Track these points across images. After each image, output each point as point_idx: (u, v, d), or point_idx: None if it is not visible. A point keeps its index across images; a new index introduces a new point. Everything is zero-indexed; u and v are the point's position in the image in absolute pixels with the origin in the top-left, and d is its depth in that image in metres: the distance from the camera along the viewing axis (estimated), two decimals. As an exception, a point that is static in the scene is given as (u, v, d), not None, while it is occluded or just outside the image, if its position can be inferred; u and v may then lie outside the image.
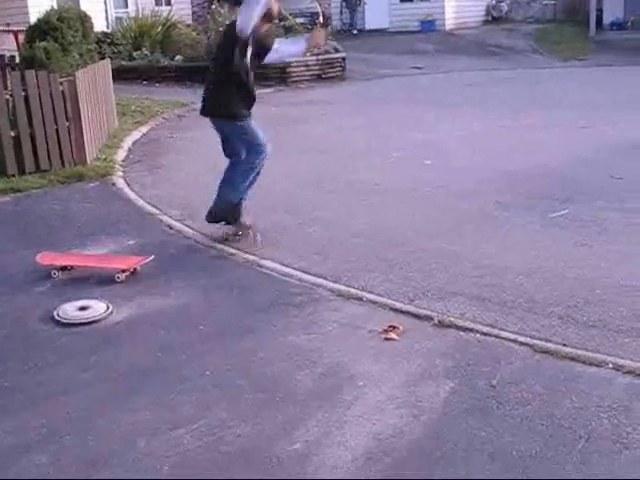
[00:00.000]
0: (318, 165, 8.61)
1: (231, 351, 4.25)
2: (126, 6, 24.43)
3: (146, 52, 18.64)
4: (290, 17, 19.71)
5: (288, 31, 18.86)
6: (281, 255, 5.82)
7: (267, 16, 5.66)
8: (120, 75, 15.01)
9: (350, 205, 7.37)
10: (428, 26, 29.50)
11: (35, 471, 3.18)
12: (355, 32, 27.46)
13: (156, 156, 10.11)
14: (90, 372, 4.04)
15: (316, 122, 12.13)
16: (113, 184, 8.36)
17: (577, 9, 31.65)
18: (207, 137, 11.06)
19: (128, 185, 8.37)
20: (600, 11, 29.13)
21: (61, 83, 8.46)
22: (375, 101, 15.44)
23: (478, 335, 4.37)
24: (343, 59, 19.96)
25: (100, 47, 16.20)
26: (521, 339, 4.30)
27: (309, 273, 5.42)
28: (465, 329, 4.46)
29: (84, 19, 10.48)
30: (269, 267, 5.58)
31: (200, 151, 10.23)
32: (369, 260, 5.75)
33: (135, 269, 5.46)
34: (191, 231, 6.58)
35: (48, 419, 3.56)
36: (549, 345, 4.21)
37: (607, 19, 29.42)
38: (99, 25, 19.12)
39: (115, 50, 18.25)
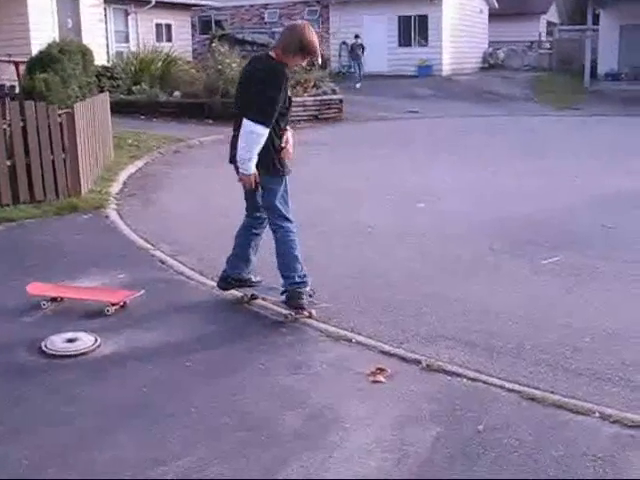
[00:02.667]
0: (309, 206, 8.64)
1: (218, 389, 4.23)
2: (127, 41, 24.74)
3: (145, 87, 18.81)
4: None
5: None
6: (272, 295, 5.81)
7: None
8: (119, 109, 15.14)
9: (342, 247, 7.40)
10: (425, 71, 29.94)
11: (15, 504, 3.15)
12: (358, 86, 26.83)
13: (150, 191, 10.16)
14: (75, 405, 4.01)
15: (309, 163, 12.20)
16: (106, 217, 8.38)
17: (572, 59, 32.15)
18: (202, 174, 11.15)
19: (121, 218, 8.39)
20: (595, 62, 29.58)
21: (59, 115, 8.52)
22: (370, 143, 15.57)
23: (465, 380, 4.37)
24: (340, 101, 20.18)
25: (100, 80, 16.33)
26: (508, 385, 4.30)
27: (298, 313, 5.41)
28: (453, 374, 4.45)
29: (85, 52, 10.58)
30: (260, 305, 5.57)
31: (194, 188, 10.30)
32: (360, 302, 5.76)
33: (125, 303, 5.45)
34: (183, 267, 6.57)
35: (30, 452, 3.53)
36: (536, 392, 4.21)
37: (602, 70, 29.90)
38: (100, 59, 19.30)
39: (114, 84, 18.42)
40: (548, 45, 38.29)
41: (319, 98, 19.68)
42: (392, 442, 3.66)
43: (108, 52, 22.40)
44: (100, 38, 21.17)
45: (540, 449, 3.61)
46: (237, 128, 5.13)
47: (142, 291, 5.61)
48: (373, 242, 7.60)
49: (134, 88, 18.80)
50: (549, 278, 6.42)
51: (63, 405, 4.02)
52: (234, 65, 17.94)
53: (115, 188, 9.92)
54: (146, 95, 18.48)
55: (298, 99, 18.78)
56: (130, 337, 4.97)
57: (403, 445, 3.63)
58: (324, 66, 27.54)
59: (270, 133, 5.04)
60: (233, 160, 5.22)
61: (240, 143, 5.05)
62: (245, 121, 4.99)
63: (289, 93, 5.21)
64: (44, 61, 9.67)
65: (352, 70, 29.02)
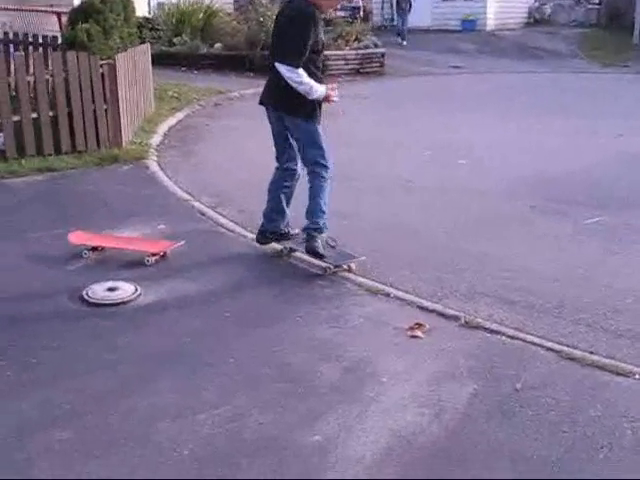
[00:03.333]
0: (350, 159, 8.57)
1: (256, 340, 4.26)
2: (169, -8, 24.56)
3: (186, 39, 18.69)
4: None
5: (328, 24, 18.85)
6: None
7: None
8: (159, 60, 15.08)
9: (381, 200, 7.35)
10: (469, 26, 29.31)
11: (57, 447, 3.21)
12: (404, 43, 25.32)
13: (191, 142, 10.17)
14: (116, 353, 4.07)
15: (349, 116, 12.09)
16: (147, 168, 8.42)
17: (622, 14, 31.18)
18: (242, 127, 11.12)
19: (162, 169, 8.43)
20: (644, 17, 28.70)
21: (101, 65, 8.52)
22: (411, 98, 15.38)
23: (504, 338, 4.34)
24: (382, 55, 19.90)
25: (141, 32, 16.21)
26: (547, 344, 4.26)
27: (337, 265, 5.41)
28: (491, 331, 4.43)
29: (126, 3, 10.48)
30: (298, 258, 5.57)
31: (234, 140, 10.28)
32: (398, 257, 5.74)
33: (165, 253, 5.49)
34: (222, 219, 6.59)
35: (71, 397, 3.60)
36: (576, 352, 4.17)
37: (652, 25, 28.95)
38: (141, 10, 19.20)
39: (155, 35, 18.32)
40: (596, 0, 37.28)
41: (361, 52, 19.42)
42: (429, 397, 3.66)
43: (149, 3, 22.28)
44: (142, -12, 21.03)
45: (578, 409, 3.58)
46: (270, 72, 5.27)
47: (182, 242, 5.65)
48: (412, 196, 7.54)
49: (175, 40, 18.70)
50: (591, 238, 6.33)
51: (104, 352, 4.08)
52: (275, 17, 17.73)
53: (156, 139, 9.95)
54: (187, 47, 18.37)
55: (339, 52, 18.61)
56: (170, 287, 5.01)
57: (440, 401, 3.63)
58: (366, 19, 27.20)
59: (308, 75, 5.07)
60: (263, 102, 5.35)
61: (297, 89, 5.06)
62: (278, 67, 5.06)
63: (322, 36, 5.20)
64: (86, 12, 9.61)
65: (395, 24, 28.16)
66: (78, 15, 9.71)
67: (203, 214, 6.74)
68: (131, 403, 3.56)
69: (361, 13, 27.22)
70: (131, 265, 5.36)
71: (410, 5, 26.16)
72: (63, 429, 3.34)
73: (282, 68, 5.05)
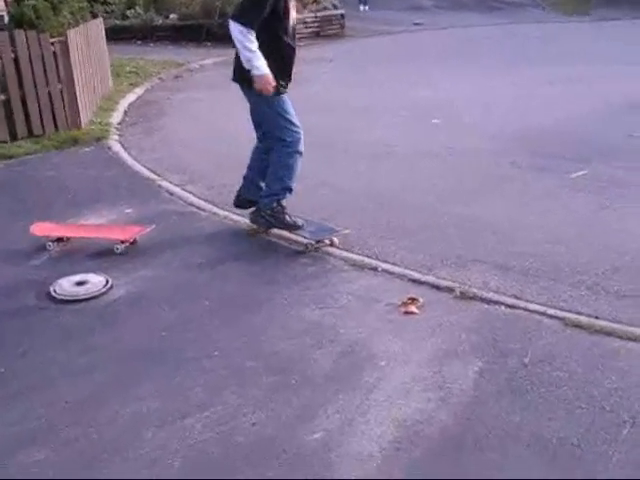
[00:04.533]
0: (323, 126, 8.24)
1: (240, 328, 3.96)
2: (118, -37, 23.79)
3: (140, 11, 18.13)
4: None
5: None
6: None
7: None
8: (113, 35, 14.60)
9: (359, 168, 7.04)
10: (427, -19, 28.82)
11: (34, 468, 2.90)
12: (365, 9, 23.86)
13: (153, 118, 9.75)
14: (90, 355, 3.75)
15: (317, 81, 11.73)
16: (109, 148, 8.03)
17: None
18: (205, 98, 10.72)
19: (125, 149, 8.04)
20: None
21: (52, 43, 8.06)
22: (376, 59, 15.01)
23: (504, 308, 4.09)
24: (342, 16, 19.48)
25: (92, 6, 15.69)
26: (550, 312, 4.02)
27: (319, 240, 5.12)
28: (489, 301, 4.17)
29: (75, -25, 10.03)
30: (275, 235, 5.27)
31: (198, 113, 9.88)
32: (382, 227, 5.45)
33: (135, 240, 5.15)
34: (192, 197, 6.26)
35: (46, 409, 3.28)
36: (581, 318, 3.93)
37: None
38: (91, -16, 18.58)
39: (108, 10, 17.74)
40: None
41: (320, 14, 18.98)
42: (432, 380, 3.40)
43: (99, -24, 21.59)
44: (90, -39, 20.33)
45: (592, 381, 3.35)
46: None
47: (152, 226, 5.31)
48: (390, 162, 7.24)
49: (128, 12, 18.12)
50: (579, 193, 6.09)
51: (77, 355, 3.76)
52: (231, -17, 17.26)
53: (116, 118, 9.52)
54: (141, 19, 17.81)
55: (299, 16, 18.11)
56: (143, 276, 4.69)
57: (445, 382, 3.37)
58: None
59: (268, 43, 4.74)
60: (235, 77, 4.97)
61: (240, 52, 4.73)
62: (231, 25, 4.70)
63: (289, 5, 4.84)
64: (32, -14, 9.14)
65: None
66: (24, -9, 9.21)
67: (172, 194, 6.39)
68: (111, 412, 3.25)
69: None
70: (100, 255, 5.01)
71: None
72: (40, 447, 3.02)
73: (234, 27, 4.66)
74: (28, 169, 7.26)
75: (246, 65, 4.74)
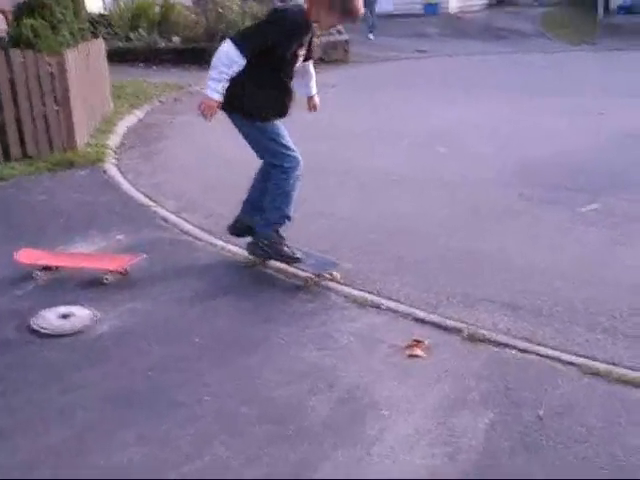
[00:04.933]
0: (324, 152, 8.03)
1: (233, 370, 3.69)
2: (123, -14, 23.73)
3: (143, 33, 17.98)
4: None
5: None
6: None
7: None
8: (116, 57, 14.45)
9: (362, 197, 6.80)
10: (432, 9, 28.87)
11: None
12: (372, 37, 23.14)
13: (152, 142, 9.54)
14: (72, 395, 3.48)
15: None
16: (105, 172, 7.79)
17: (583, -8, 30.95)
18: (205, 123, 10.49)
19: (121, 173, 7.80)
20: (608, -6, 28.43)
21: (49, 63, 7.86)
22: (380, 85, 14.84)
23: (515, 352, 3.83)
24: (346, 42, 19.32)
25: (95, 29, 15.58)
26: (565, 357, 3.76)
27: (319, 275, 4.86)
28: (500, 344, 3.91)
29: (75, -4, 9.85)
30: (273, 267, 5.01)
31: (198, 138, 9.65)
32: (385, 260, 5.20)
33: (126, 270, 4.90)
34: (188, 225, 6.01)
35: (21, 457, 3.01)
36: (598, 365, 3.67)
37: (615, 3, 28.70)
38: (95, 6, 18.49)
39: (111, 32, 17.59)
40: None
41: (324, 39, 18.82)
42: (439, 433, 3.13)
43: (104, -1, 21.53)
44: (94, -17, 20.27)
45: (613, 438, 3.08)
46: None
47: (144, 255, 5.06)
48: (394, 191, 7.00)
49: (131, 35, 17.97)
50: (591, 228, 5.85)
51: (59, 395, 3.49)
52: (235, 7, 17.16)
53: (114, 140, 9.30)
54: (144, 42, 17.65)
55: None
56: (132, 309, 4.43)
57: (452, 436, 3.11)
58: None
59: (267, 79, 4.57)
60: (224, 106, 4.67)
61: (215, 58, 4.50)
62: (224, 42, 4.48)
63: (299, 51, 4.64)
64: (31, 7, 8.95)
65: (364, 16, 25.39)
66: (23, 11, 9.03)
67: (166, 221, 6.14)
68: (92, 461, 2.98)
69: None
70: (88, 285, 4.76)
71: None
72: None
73: (226, 44, 4.43)
74: (20, 192, 7.02)
75: (208, 78, 4.53)
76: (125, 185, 7.31)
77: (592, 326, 4.16)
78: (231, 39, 4.46)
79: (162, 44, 17.70)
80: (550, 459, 2.95)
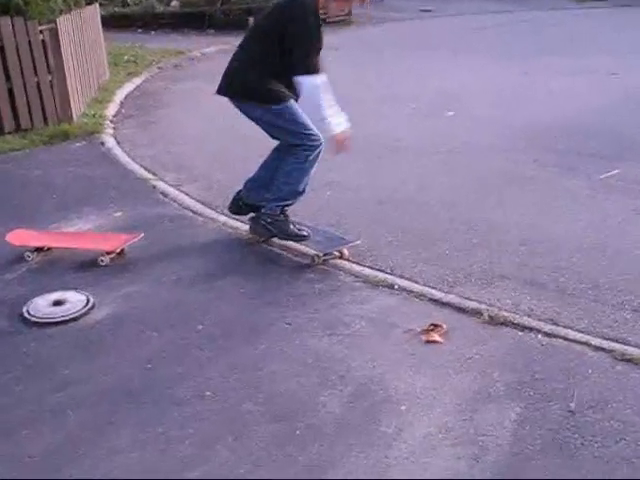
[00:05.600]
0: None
1: (236, 360, 3.43)
2: (120, -52, 23.17)
3: (140, -3, 17.55)
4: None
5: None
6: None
7: None
8: (113, 23, 14.16)
9: (369, 165, 6.49)
10: (436, -33, 28.14)
11: None
12: None
13: (150, 110, 9.21)
14: (64, 392, 3.22)
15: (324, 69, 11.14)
16: (102, 143, 7.50)
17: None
18: (206, 89, 10.14)
19: (119, 144, 7.51)
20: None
21: (41, 31, 7.52)
22: (385, 47, 14.41)
23: (540, 336, 3.56)
24: (349, 2, 18.81)
25: (91, -7, 15.17)
26: (594, 342, 3.49)
27: (327, 253, 4.59)
28: (523, 327, 3.64)
29: (68, -41, 9.46)
30: (278, 245, 4.74)
31: (199, 105, 9.32)
32: (396, 234, 4.92)
33: (122, 250, 4.64)
34: (188, 199, 5.74)
35: (7, 462, 2.76)
36: (631, 350, 3.40)
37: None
38: (90, -30, 17.99)
39: (108, -4, 17.16)
40: None
41: (326, 1, 18.35)
42: (462, 431, 2.87)
43: (99, -38, 21.01)
44: (89, -54, 19.77)
45: (654, 433, 2.82)
46: (239, 53, 4.50)
47: (141, 234, 4.78)
48: (403, 159, 6.69)
49: (129, 0, 17.54)
50: (611, 196, 5.55)
51: (50, 391, 3.23)
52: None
53: (111, 110, 8.98)
54: (141, 6, 17.24)
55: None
56: (129, 294, 4.16)
57: (477, 434, 2.85)
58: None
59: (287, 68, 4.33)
60: (222, 90, 4.50)
61: (313, 104, 4.36)
62: (299, 80, 4.31)
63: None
64: (22, -30, 8.59)
65: None
66: (13, -25, 8.65)
67: (166, 195, 5.86)
68: (84, 467, 2.73)
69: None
70: (82, 268, 4.49)
71: None
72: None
73: (303, 80, 4.33)
74: (13, 167, 6.73)
75: (322, 119, 4.38)
76: (123, 157, 7.02)
77: (620, 305, 3.88)
78: (301, 75, 4.31)
79: (160, 8, 17.29)
80: (586, 461, 2.68)
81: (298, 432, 2.89)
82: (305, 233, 4.57)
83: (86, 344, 3.65)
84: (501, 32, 15.97)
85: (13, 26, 7.33)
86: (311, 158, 4.45)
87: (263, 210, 4.67)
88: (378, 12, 20.00)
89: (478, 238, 4.81)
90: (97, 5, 11.24)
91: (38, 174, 6.51)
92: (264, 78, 4.34)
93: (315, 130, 4.44)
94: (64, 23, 7.99)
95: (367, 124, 7.89)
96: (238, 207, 4.89)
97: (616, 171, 6.00)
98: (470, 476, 2.62)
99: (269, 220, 4.60)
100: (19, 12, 7.72)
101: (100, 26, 10.77)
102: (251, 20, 15.35)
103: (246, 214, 4.89)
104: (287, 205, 4.61)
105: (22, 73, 7.47)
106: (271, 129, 4.49)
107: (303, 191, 4.58)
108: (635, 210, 5.23)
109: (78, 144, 7.45)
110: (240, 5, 16.27)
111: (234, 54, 4.55)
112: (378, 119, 8.19)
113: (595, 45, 13.36)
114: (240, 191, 4.88)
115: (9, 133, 7.52)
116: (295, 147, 4.43)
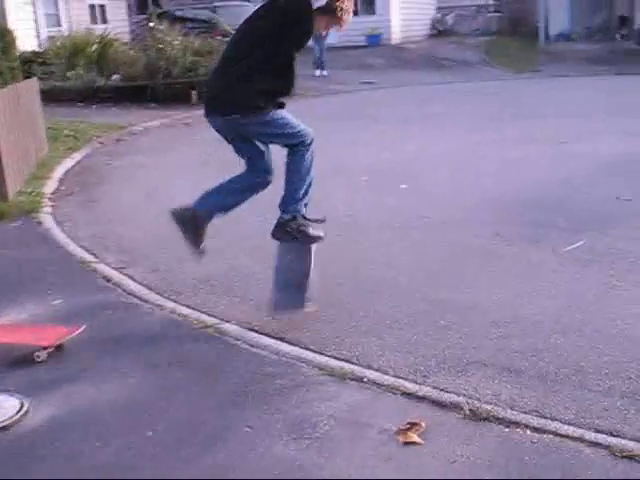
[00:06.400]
0: (273, 193, 7.42)
1: (194, 474, 3.02)
2: (59, 24, 23.02)
3: (81, 72, 17.24)
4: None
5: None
6: (248, 315, 4.64)
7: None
8: (53, 97, 13.87)
9: (325, 243, 6.17)
10: (374, 40, 28.68)
11: None
12: (325, 74, 21.77)
13: (91, 187, 8.85)
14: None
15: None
16: (39, 223, 7.08)
17: (523, 21, 31.21)
18: (149, 164, 9.83)
19: (58, 224, 7.09)
20: (546, 23, 28.62)
21: (-26, 107, 7.16)
22: (330, 119, 14.28)
23: (529, 432, 3.22)
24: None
25: (30, 67, 14.90)
26: (588, 436, 3.17)
27: (286, 341, 4.23)
28: (508, 422, 3.31)
29: (4, 33, 9.15)
30: (233, 334, 4.37)
31: (142, 180, 9.00)
32: (359, 317, 4.59)
33: (61, 344, 4.20)
34: (133, 283, 5.34)
35: None
36: (630, 445, 3.09)
37: (553, 30, 28.90)
38: (29, 44, 17.78)
39: (47, 71, 16.83)
40: (493, 8, 37.14)
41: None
42: None
43: (39, 36, 20.77)
44: (28, 22, 19.59)
45: None
46: (228, 65, 4.38)
47: (83, 326, 4.36)
48: (359, 236, 6.41)
49: (69, 74, 17.18)
50: (580, 269, 5.33)
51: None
52: (176, 43, 16.60)
53: (50, 187, 8.59)
54: (82, 81, 16.93)
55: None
56: (69, 395, 3.72)
57: None
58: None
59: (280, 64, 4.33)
60: (211, 105, 4.42)
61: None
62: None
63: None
64: (-45, 45, 8.28)
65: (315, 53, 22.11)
66: (-55, 50, 8.33)
67: (109, 280, 5.45)
68: None
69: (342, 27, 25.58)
70: (16, 365, 4.03)
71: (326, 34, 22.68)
72: None
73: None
74: (-58, 251, 6.26)
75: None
76: (62, 238, 6.60)
77: (607, 391, 3.59)
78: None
79: (101, 82, 17.01)
80: None
81: None
82: (321, 234, 4.62)
83: (19, 457, 3.20)
84: (446, 103, 16.05)
85: (-56, 102, 6.95)
86: (309, 153, 4.72)
87: (284, 215, 4.54)
88: (322, 84, 20.12)
89: (446, 320, 4.51)
90: (36, 79, 10.93)
91: (-31, 259, 6.05)
92: (264, 84, 4.27)
93: (305, 126, 4.63)
94: (-1, 98, 7.64)
95: (317, 198, 7.62)
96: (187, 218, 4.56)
97: (581, 242, 5.80)
98: None
99: (294, 226, 4.50)
100: (-49, 87, 7.35)
101: (39, 100, 10.43)
102: (194, 93, 15.21)
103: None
104: (305, 202, 4.64)
105: (-47, 151, 7.07)
106: (265, 138, 4.57)
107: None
108: (606, 284, 5.00)
109: (13, 224, 7.02)
110: (182, 79, 16.09)
111: (219, 67, 4.44)
112: (329, 194, 7.90)
113: (538, 113, 13.47)
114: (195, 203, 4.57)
115: (-62, 214, 7.07)
116: (294, 148, 4.58)
